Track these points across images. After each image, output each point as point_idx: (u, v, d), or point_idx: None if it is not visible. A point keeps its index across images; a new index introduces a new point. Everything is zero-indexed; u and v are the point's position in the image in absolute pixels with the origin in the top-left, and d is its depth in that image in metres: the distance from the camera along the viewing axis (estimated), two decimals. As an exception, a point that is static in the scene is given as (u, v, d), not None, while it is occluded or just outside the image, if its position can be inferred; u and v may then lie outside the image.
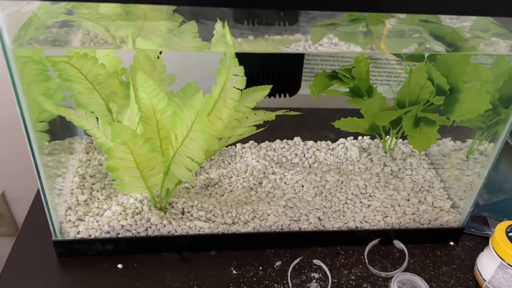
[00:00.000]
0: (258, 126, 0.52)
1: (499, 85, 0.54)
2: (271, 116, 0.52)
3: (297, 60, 0.56)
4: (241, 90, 0.45)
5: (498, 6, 0.39)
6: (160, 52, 0.54)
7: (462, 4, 0.39)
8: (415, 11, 0.40)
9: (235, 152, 0.65)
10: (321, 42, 0.46)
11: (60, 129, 0.56)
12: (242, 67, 0.44)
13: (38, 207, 0.58)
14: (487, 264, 0.52)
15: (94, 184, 0.56)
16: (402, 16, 0.47)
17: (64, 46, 0.44)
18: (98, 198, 0.54)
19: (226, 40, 0.41)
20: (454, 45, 0.47)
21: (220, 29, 0.42)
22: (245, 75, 0.45)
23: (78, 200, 0.53)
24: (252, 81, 0.54)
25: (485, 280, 0.52)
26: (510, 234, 0.50)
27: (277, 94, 0.57)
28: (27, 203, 0.96)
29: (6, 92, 0.81)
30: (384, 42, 0.48)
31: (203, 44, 0.44)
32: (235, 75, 0.44)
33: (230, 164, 0.63)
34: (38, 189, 0.60)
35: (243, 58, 0.45)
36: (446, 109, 0.52)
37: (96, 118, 0.49)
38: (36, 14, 0.43)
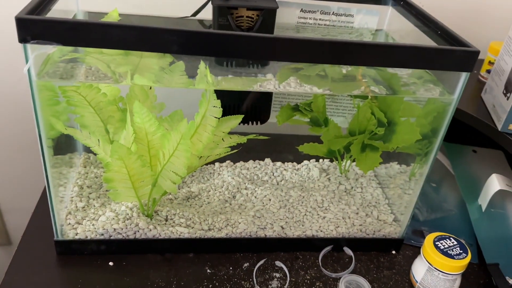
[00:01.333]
0: (232, 148, 0.62)
1: (430, 119, 0.65)
2: (243, 139, 0.63)
3: (267, 94, 0.67)
4: (218, 118, 0.56)
5: (420, 61, 0.51)
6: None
7: (395, 60, 0.50)
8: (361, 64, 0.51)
9: (214, 169, 0.75)
10: (288, 81, 0.57)
11: (62, 146, 0.65)
12: (219, 101, 0.54)
13: (40, 213, 0.66)
14: (419, 269, 0.62)
15: (90, 193, 0.65)
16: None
17: (69, 79, 0.53)
18: (94, 205, 0.63)
19: (207, 79, 0.52)
20: (393, 89, 0.59)
21: (203, 69, 0.53)
22: (223, 106, 0.56)
23: (77, 206, 0.62)
24: (230, 111, 0.64)
25: (417, 282, 0.62)
26: (436, 243, 0.61)
27: (250, 122, 0.68)
28: (21, 213, 1.03)
29: (2, 113, 0.89)
30: (339, 85, 0.58)
31: (189, 81, 0.54)
32: (214, 106, 0.55)
33: (209, 180, 0.73)
34: (39, 198, 0.69)
35: (224, 92, 0.55)
36: (385, 138, 0.63)
37: (98, 139, 0.59)
38: (52, 52, 0.53)
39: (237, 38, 0.46)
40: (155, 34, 0.45)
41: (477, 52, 0.50)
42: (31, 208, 0.68)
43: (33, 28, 0.43)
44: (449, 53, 0.50)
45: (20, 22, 0.43)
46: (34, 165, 0.96)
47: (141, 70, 0.55)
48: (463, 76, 0.54)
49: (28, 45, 0.45)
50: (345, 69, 0.59)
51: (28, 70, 0.47)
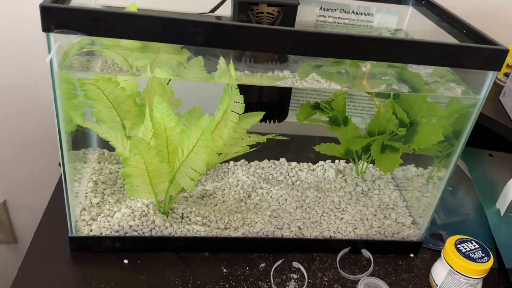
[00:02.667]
0: (250, 147, 0.61)
1: (452, 121, 0.64)
2: (263, 138, 0.62)
3: (286, 92, 0.66)
4: (240, 114, 0.55)
5: (445, 59, 0.50)
6: (170, 80, 0.64)
7: (419, 57, 0.49)
8: (385, 60, 0.51)
9: (228, 168, 0.74)
10: (307, 79, 0.56)
11: (77, 141, 0.64)
12: (242, 96, 0.54)
13: (53, 210, 0.65)
14: (439, 272, 0.61)
15: (105, 189, 0.64)
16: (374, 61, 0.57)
17: (86, 71, 0.53)
18: (109, 202, 0.62)
19: (230, 74, 0.51)
20: (414, 87, 0.58)
21: (223, 64, 0.52)
22: (243, 102, 0.55)
23: (91, 203, 0.61)
24: (248, 108, 0.63)
25: (437, 285, 0.61)
26: (458, 246, 0.60)
27: (267, 120, 0.67)
28: (27, 211, 1.02)
29: (7, 107, 0.89)
30: (359, 82, 0.58)
31: (208, 76, 0.53)
32: (236, 102, 0.54)
33: (223, 178, 0.72)
34: (52, 195, 0.68)
35: (242, 88, 0.54)
36: (407, 139, 0.62)
37: (117, 133, 0.58)
38: (72, 44, 0.52)
39: (263, 31, 0.46)
40: (182, 25, 0.44)
41: (506, 51, 0.50)
42: (38, 206, 0.67)
43: (58, 16, 0.42)
44: (478, 51, 0.49)
45: (45, 10, 0.42)
46: (41, 162, 0.95)
47: (158, 65, 0.54)
48: (490, 76, 0.53)
49: (52, 35, 0.44)
50: (365, 68, 0.58)
51: (51, 61, 0.46)
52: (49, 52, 0.45)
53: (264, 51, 0.52)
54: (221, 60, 0.52)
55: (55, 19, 0.42)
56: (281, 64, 0.56)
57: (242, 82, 0.53)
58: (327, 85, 0.55)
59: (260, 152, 0.76)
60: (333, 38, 0.47)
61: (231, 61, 0.50)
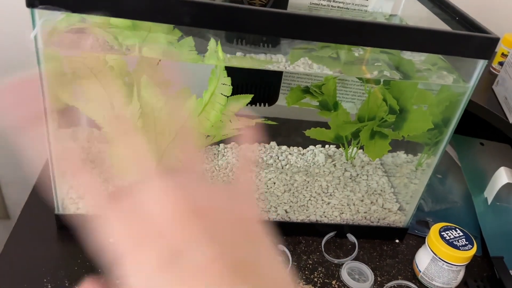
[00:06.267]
0: (239, 130, 0.61)
1: (442, 109, 0.64)
2: (251, 122, 0.61)
3: (277, 76, 0.66)
4: (228, 96, 0.54)
5: (436, 46, 0.50)
6: (160, 60, 0.63)
7: (410, 43, 0.49)
8: (376, 46, 0.50)
9: (218, 151, 0.74)
10: (298, 63, 0.56)
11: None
12: (229, 78, 0.53)
13: (40, 187, 0.65)
14: (422, 258, 0.62)
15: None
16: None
17: (75, 49, 0.52)
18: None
19: (218, 55, 0.51)
20: (407, 74, 0.58)
21: (213, 45, 0.52)
22: (232, 85, 0.54)
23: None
24: (238, 90, 0.63)
25: (420, 271, 0.62)
26: (442, 233, 0.61)
27: (257, 103, 0.67)
28: (20, 188, 1.02)
29: None
30: (351, 68, 0.57)
31: (198, 57, 0.53)
32: (223, 84, 0.54)
33: (213, 161, 0.72)
34: (40, 172, 0.68)
35: (232, 70, 0.54)
36: (396, 126, 0.62)
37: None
38: (59, 20, 0.51)
39: (251, 12, 0.45)
40: (168, 4, 0.43)
41: (496, 39, 0.49)
42: (31, 182, 0.67)
43: (42, -8, 0.41)
44: (468, 39, 0.49)
45: (29, -15, 0.41)
46: (35, 137, 0.95)
47: (149, 44, 0.53)
48: (480, 64, 0.52)
49: (36, 11, 0.43)
50: (357, 53, 0.58)
51: (35, 38, 0.45)
52: (34, 28, 0.44)
53: (253, 33, 0.52)
54: (211, 41, 0.51)
55: (39, -6, 0.41)
56: (273, 47, 0.56)
57: (231, 64, 0.53)
58: (319, 69, 0.55)
59: (250, 135, 0.76)
60: (324, 21, 0.46)
61: (218, 42, 0.50)
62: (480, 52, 0.50)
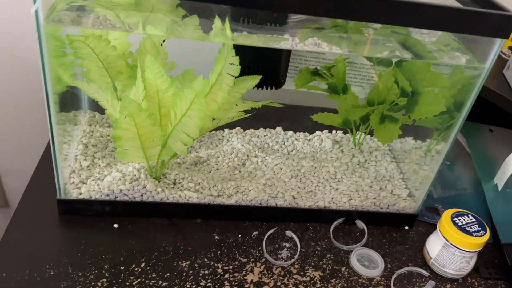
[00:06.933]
0: (246, 112, 0.59)
1: (454, 92, 0.62)
2: (258, 104, 0.60)
3: (284, 57, 0.64)
4: (235, 77, 0.52)
5: (451, 24, 0.48)
6: (164, 41, 0.61)
7: (424, 20, 0.47)
8: (389, 22, 0.48)
9: (223, 136, 0.72)
10: (306, 42, 0.54)
11: (67, 102, 0.62)
12: (237, 57, 0.51)
13: (42, 172, 0.63)
14: (434, 245, 0.60)
15: (96, 152, 0.62)
16: (378, 26, 0.55)
17: (75, 26, 0.50)
18: (99, 165, 0.60)
19: (225, 33, 0.49)
20: (418, 55, 0.56)
21: (219, 23, 0.49)
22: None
23: (81, 165, 0.60)
24: (244, 73, 0.61)
25: (431, 258, 0.60)
26: (454, 219, 0.59)
27: (265, 87, 0.65)
28: (20, 175, 1.00)
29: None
30: (361, 47, 0.56)
31: (203, 35, 0.51)
32: (231, 64, 0.52)
33: (217, 146, 0.70)
34: (41, 157, 0.67)
35: (238, 51, 0.52)
36: (408, 109, 0.61)
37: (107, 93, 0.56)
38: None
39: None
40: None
41: (516, 17, 0.47)
42: (30, 170, 0.65)
43: (43, -37, 0.39)
44: (485, 16, 0.47)
45: (29, -44, 0.39)
46: (34, 124, 0.93)
47: (152, 23, 0.51)
48: (497, 44, 0.51)
49: (36, -16, 0.41)
50: (367, 33, 0.56)
51: (36, 13, 0.43)
52: (34, 2, 0.42)
53: (260, 8, 0.50)
54: (217, 19, 0.49)
55: (40, -34, 0.39)
56: (280, 26, 0.54)
57: (238, 43, 0.51)
58: (328, 48, 0.53)
59: (256, 120, 0.74)
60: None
61: (226, 19, 0.48)
62: (498, 30, 0.48)
